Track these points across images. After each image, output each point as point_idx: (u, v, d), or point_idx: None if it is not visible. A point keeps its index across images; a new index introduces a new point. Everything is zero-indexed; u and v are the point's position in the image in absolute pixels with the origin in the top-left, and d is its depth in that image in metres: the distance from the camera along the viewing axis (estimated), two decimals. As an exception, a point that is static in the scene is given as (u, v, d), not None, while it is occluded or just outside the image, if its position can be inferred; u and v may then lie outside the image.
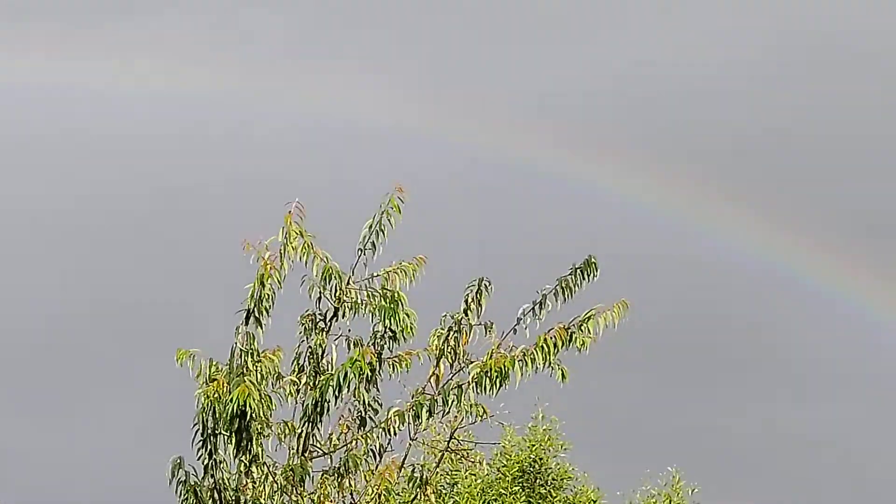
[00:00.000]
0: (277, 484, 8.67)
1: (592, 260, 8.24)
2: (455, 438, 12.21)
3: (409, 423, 8.92)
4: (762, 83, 35.28)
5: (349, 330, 8.78)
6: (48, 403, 31.18)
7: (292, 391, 8.69)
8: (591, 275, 8.33)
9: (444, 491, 16.58)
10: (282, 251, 8.48)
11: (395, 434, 8.96)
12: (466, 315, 8.68)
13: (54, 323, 31.66)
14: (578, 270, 8.34)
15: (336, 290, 8.64)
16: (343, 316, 8.76)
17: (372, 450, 8.84)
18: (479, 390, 8.60)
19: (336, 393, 8.38)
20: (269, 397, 8.49)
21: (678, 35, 35.24)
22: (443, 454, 12.46)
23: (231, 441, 8.40)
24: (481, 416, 9.24)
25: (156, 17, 35.53)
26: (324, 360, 8.74)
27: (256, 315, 8.43)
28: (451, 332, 8.71)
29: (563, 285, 8.43)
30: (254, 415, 8.21)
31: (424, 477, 9.53)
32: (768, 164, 37.06)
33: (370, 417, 8.77)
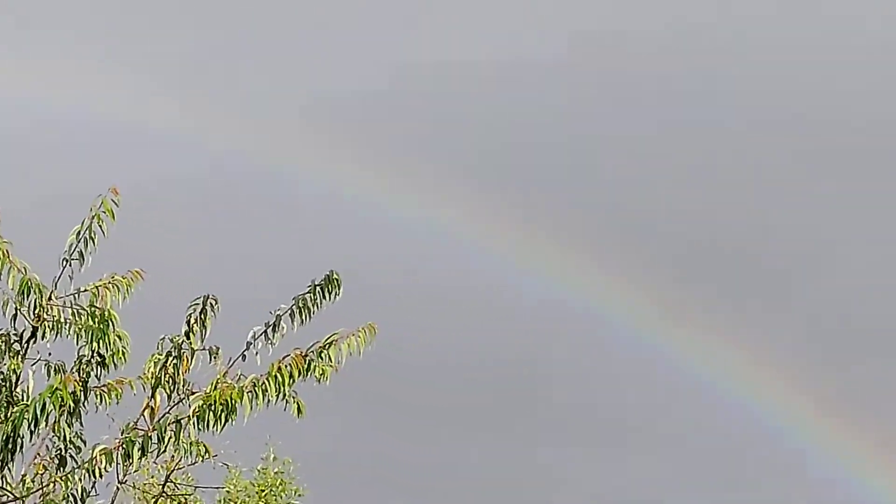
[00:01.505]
0: None
1: (335, 276, 7.57)
2: (172, 482, 11.56)
3: (117, 464, 7.88)
4: (546, 85, 36.27)
5: (49, 353, 7.76)
6: None
7: None
8: (334, 293, 7.71)
9: None
10: None
11: (100, 476, 7.92)
12: (188, 338, 7.78)
13: None
14: (318, 288, 7.66)
15: (35, 307, 7.66)
16: (43, 337, 7.80)
17: (73, 494, 7.81)
18: (200, 426, 7.72)
19: (32, 427, 7.42)
20: None
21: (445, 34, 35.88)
22: (156, 500, 11.71)
23: None
24: (203, 457, 8.34)
25: None
26: (18, 389, 7.73)
27: None
28: (171, 358, 7.77)
29: (301, 305, 7.71)
30: None
31: None
32: (540, 175, 37.88)
33: (71, 456, 7.82)
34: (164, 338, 7.85)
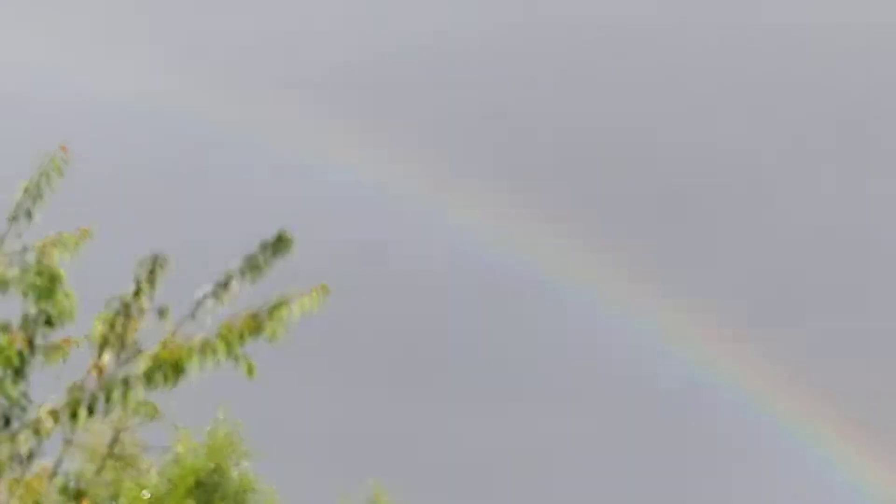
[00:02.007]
0: None
1: (286, 235, 7.55)
2: (119, 442, 11.44)
3: (64, 424, 7.71)
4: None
5: None
6: None
7: None
8: (284, 252, 7.66)
9: (102, 500, 15.47)
10: None
11: (46, 436, 7.76)
12: (137, 297, 7.63)
13: None
14: (269, 247, 7.64)
15: None
16: None
17: (18, 454, 7.71)
18: (149, 386, 7.56)
19: None
20: None
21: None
22: (104, 461, 11.62)
23: None
24: (151, 417, 8.37)
25: None
26: None
27: None
28: (119, 317, 7.65)
29: (251, 264, 7.64)
30: None
31: (81, 487, 8.62)
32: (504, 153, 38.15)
33: (17, 416, 7.63)
34: (112, 297, 7.64)
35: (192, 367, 7.56)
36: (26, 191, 7.48)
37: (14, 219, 7.51)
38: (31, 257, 7.58)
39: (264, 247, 7.55)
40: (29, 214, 7.50)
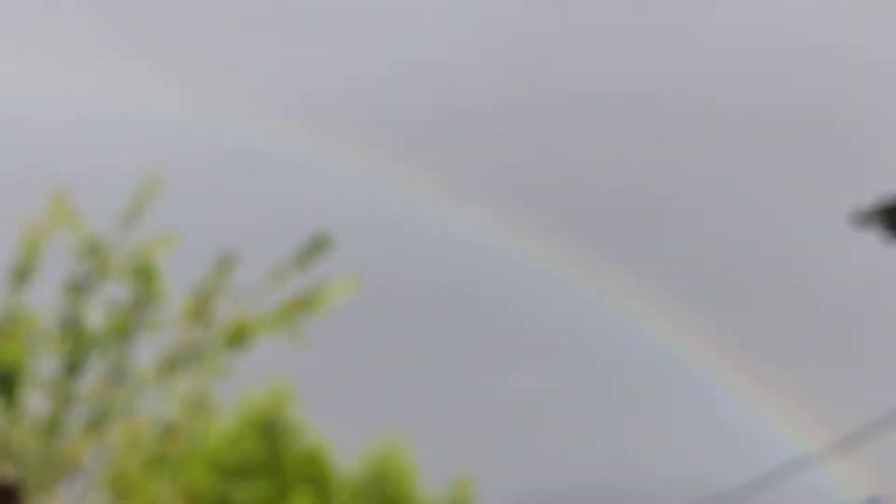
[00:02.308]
0: (37, 431, 8.93)
1: (327, 235, 9.03)
2: (202, 393, 12.74)
3: (160, 379, 9.33)
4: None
5: (109, 295, 9.17)
6: None
7: (56, 350, 9.00)
8: (327, 249, 9.13)
9: (190, 438, 17.00)
10: (48, 226, 8.96)
11: (146, 389, 9.31)
12: (215, 283, 9.15)
13: None
14: (313, 245, 9.09)
15: (98, 260, 9.08)
16: (103, 281, 9.14)
17: (125, 403, 9.22)
18: (224, 350, 9.25)
19: (96, 351, 9.03)
20: (35, 355, 8.92)
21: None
22: (191, 408, 12.63)
23: (-2, 396, 8.80)
24: (226, 374, 9.71)
25: None
26: (86, 323, 9.09)
27: (22, 280, 8.88)
28: (201, 298, 9.18)
29: (299, 258, 9.07)
30: (19, 369, 8.78)
31: (174, 427, 9.96)
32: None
33: (126, 374, 9.19)
34: (196, 284, 9.07)
35: (257, 337, 9.16)
36: (131, 205, 8.93)
37: (123, 225, 9.00)
38: (135, 255, 9.12)
39: (309, 245, 9.09)
40: (133, 222, 8.94)
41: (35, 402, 9.12)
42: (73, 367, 9.08)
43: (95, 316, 9.23)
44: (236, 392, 18.64)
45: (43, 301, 9.25)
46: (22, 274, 9.03)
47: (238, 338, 9.28)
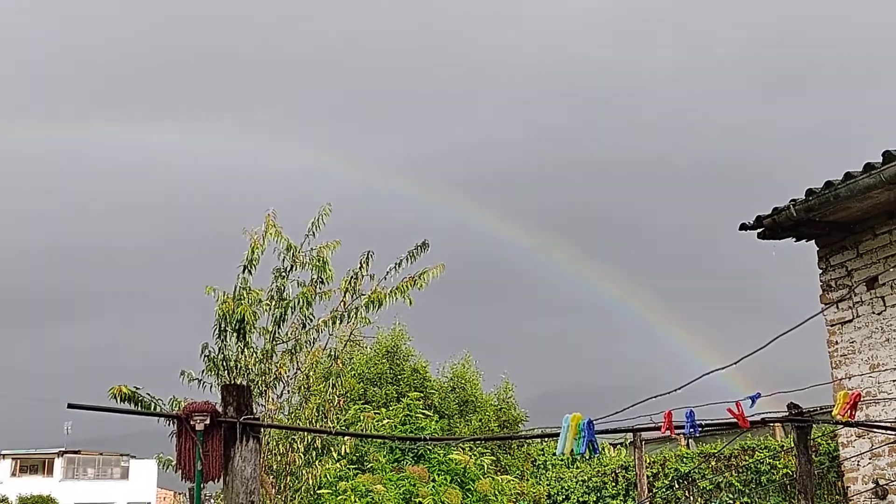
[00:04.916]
0: (257, 357, 11.49)
1: (426, 242, 11.74)
2: (353, 335, 15.67)
3: (329, 327, 11.96)
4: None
5: (299, 276, 11.91)
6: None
7: (268, 308, 11.66)
8: (425, 249, 11.69)
9: (346, 361, 21.82)
10: (263, 234, 11.83)
11: (321, 332, 11.99)
12: (361, 269, 11.84)
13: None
14: (417, 247, 11.68)
15: (293, 256, 11.89)
16: (295, 269, 11.92)
17: (309, 341, 11.83)
18: (367, 310, 11.77)
19: (292, 310, 11.59)
20: (256, 312, 11.50)
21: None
22: (346, 342, 14.98)
23: (234, 335, 11.32)
24: (368, 323, 12.40)
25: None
26: (285, 293, 11.76)
27: (249, 269, 11.74)
28: (352, 279, 11.83)
29: (409, 255, 11.69)
30: (247, 321, 11.28)
31: (337, 354, 12.84)
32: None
33: (309, 323, 11.73)
34: (350, 270, 11.87)
35: (386, 302, 11.80)
36: (312, 223, 11.81)
37: (307, 235, 11.90)
38: (314, 253, 11.88)
39: (415, 247, 11.92)
40: (314, 234, 11.91)
41: (257, 339, 11.67)
42: (278, 319, 11.69)
43: (292, 289, 11.87)
44: (373, 333, 26.40)
45: (262, 281, 11.97)
46: (249, 265, 11.80)
47: (375, 302, 11.77)
